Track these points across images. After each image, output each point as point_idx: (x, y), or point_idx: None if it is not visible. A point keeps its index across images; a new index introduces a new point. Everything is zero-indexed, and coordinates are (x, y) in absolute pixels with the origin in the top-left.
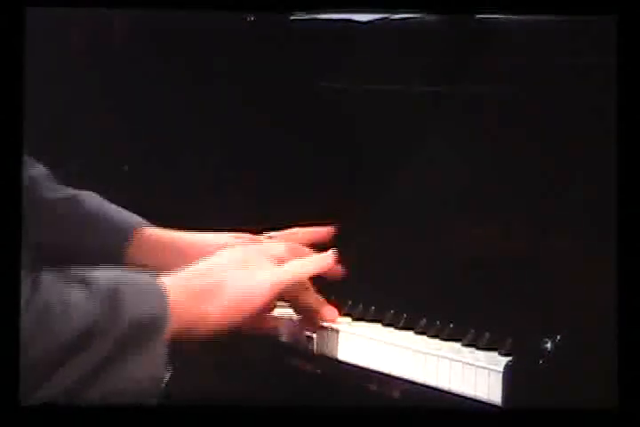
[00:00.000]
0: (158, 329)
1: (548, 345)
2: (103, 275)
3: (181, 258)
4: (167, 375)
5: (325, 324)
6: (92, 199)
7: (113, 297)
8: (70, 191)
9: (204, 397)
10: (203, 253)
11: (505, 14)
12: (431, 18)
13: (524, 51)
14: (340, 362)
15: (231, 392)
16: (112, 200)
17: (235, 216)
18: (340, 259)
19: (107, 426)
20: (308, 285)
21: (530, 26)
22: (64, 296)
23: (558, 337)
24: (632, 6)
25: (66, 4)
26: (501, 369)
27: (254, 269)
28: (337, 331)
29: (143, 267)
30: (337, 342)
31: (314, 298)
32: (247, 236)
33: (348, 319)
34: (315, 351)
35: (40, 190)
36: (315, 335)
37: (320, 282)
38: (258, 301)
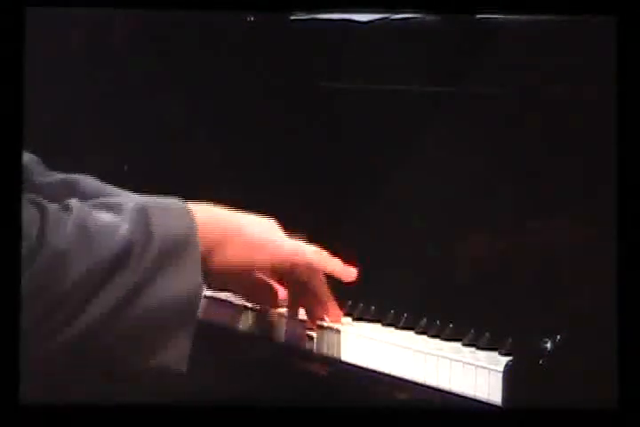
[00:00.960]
0: (189, 242)
1: (548, 345)
2: (129, 199)
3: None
4: (204, 290)
5: (326, 324)
6: (87, 180)
7: (142, 217)
8: (63, 175)
9: (203, 397)
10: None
11: (505, 14)
12: (431, 18)
13: (524, 51)
14: (341, 362)
15: (231, 392)
16: None
17: None
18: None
19: (107, 426)
20: (324, 279)
21: (530, 26)
22: (96, 219)
23: (558, 337)
24: (632, 6)
25: (66, 4)
26: (501, 369)
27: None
28: (337, 331)
29: None
30: (337, 341)
31: (326, 291)
32: None
33: (349, 319)
34: (315, 351)
35: (32, 176)
36: (315, 335)
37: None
38: (277, 251)
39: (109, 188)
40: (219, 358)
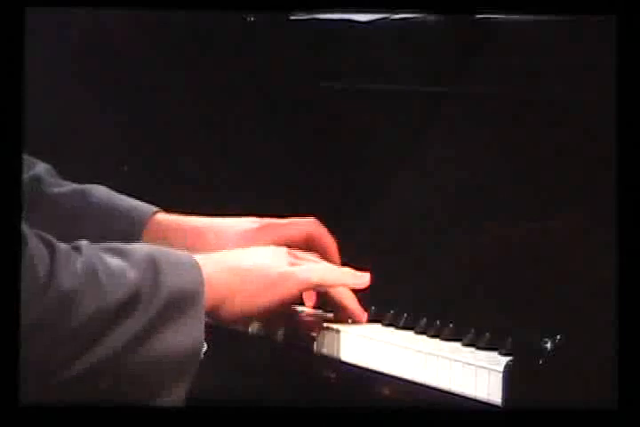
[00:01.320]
0: (196, 298)
1: (548, 345)
2: (138, 247)
3: (200, 241)
4: (205, 347)
5: (326, 323)
6: (99, 190)
7: (152, 266)
8: (75, 185)
9: (204, 397)
10: (221, 236)
11: (505, 14)
12: (431, 18)
13: (524, 51)
14: (341, 362)
15: (231, 392)
16: None
17: (234, 216)
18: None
19: (107, 426)
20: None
21: (530, 26)
22: (106, 262)
23: (558, 337)
24: (631, 6)
25: (66, 3)
26: (501, 369)
27: (286, 261)
28: (337, 331)
29: None
30: (337, 341)
31: (349, 295)
32: (266, 220)
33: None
34: (314, 351)
35: (44, 187)
36: (315, 334)
37: None
38: (286, 291)
39: (120, 197)
40: (218, 359)
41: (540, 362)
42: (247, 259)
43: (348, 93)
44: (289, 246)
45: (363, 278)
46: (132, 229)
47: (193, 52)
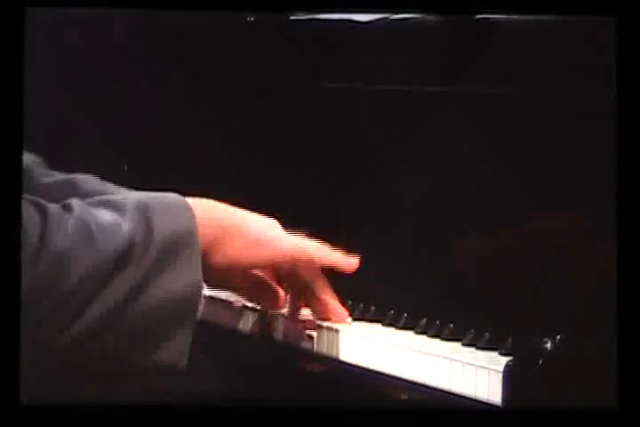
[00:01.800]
0: (191, 239)
1: (548, 345)
2: (129, 196)
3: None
4: (205, 287)
5: (325, 324)
6: (88, 179)
7: (143, 215)
8: (64, 175)
9: (204, 397)
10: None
11: (505, 14)
12: (431, 18)
13: (524, 51)
14: (341, 362)
15: (231, 392)
16: None
17: None
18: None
19: (107, 426)
20: (326, 279)
21: (530, 26)
22: (97, 218)
23: (558, 337)
24: (631, 6)
25: (66, 4)
26: (501, 369)
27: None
28: (337, 331)
29: None
30: (337, 341)
31: (329, 291)
32: None
33: (348, 319)
34: (314, 351)
35: (34, 177)
36: (315, 334)
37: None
38: (278, 251)
39: (110, 186)
40: (219, 358)
41: (540, 362)
42: (244, 213)
43: (348, 93)
44: None
45: (353, 262)
46: None
47: (193, 51)
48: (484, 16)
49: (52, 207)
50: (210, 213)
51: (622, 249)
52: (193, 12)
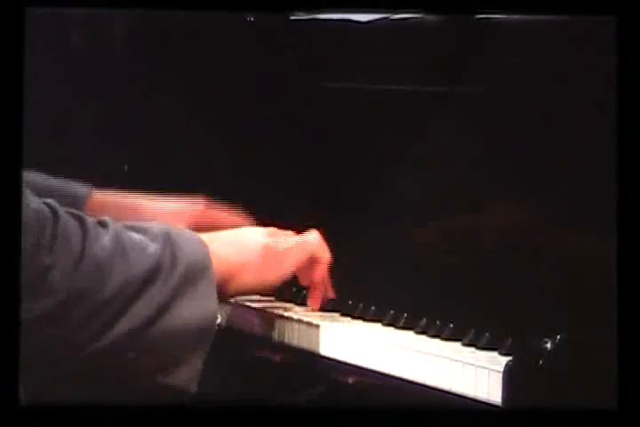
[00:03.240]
0: (206, 271)
1: (548, 345)
2: (153, 224)
3: (137, 217)
4: (219, 318)
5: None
6: (34, 176)
7: (168, 241)
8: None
9: (204, 397)
10: (157, 215)
11: (505, 14)
12: (431, 18)
13: (524, 51)
14: (340, 362)
15: (232, 393)
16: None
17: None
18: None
19: (107, 426)
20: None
21: (530, 26)
22: (129, 236)
23: (558, 337)
24: (631, 6)
25: (66, 4)
26: (501, 369)
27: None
28: (337, 331)
29: None
30: (337, 341)
31: (324, 275)
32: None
33: (348, 318)
34: (314, 351)
35: None
36: (316, 335)
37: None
38: (291, 264)
39: (56, 180)
40: (219, 359)
41: (540, 362)
42: (242, 237)
43: (348, 93)
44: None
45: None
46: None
47: (193, 51)
48: (483, 16)
49: (90, 220)
50: (223, 248)
51: (622, 249)
52: (193, 12)
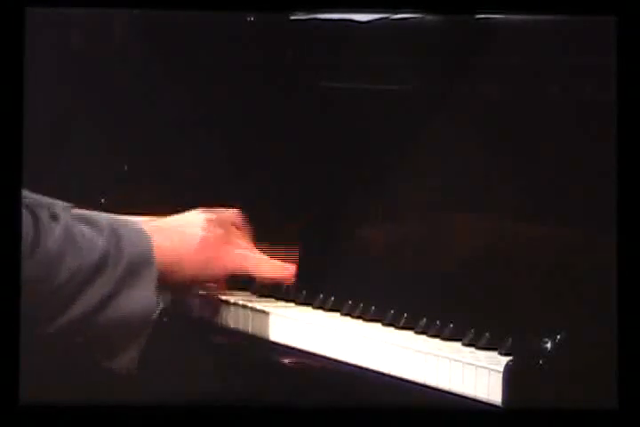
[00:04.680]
0: (149, 263)
1: (548, 345)
2: (102, 216)
3: None
4: (159, 307)
5: (325, 323)
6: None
7: (114, 234)
8: None
9: (204, 397)
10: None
11: (505, 14)
12: (431, 18)
13: (524, 51)
14: (341, 362)
15: (232, 392)
16: (112, 199)
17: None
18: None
19: (106, 426)
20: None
21: (530, 26)
22: (79, 229)
23: (558, 337)
24: (631, 6)
25: (66, 4)
26: (501, 369)
27: (225, 237)
28: (336, 331)
29: None
30: (337, 342)
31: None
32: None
33: (348, 318)
34: (314, 351)
35: None
36: (316, 335)
37: (320, 281)
38: (222, 268)
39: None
40: (219, 359)
41: (540, 362)
42: (184, 227)
43: (348, 93)
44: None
45: (289, 270)
46: None
47: (193, 51)
48: (483, 16)
49: (44, 215)
50: (165, 240)
51: (622, 249)
52: (193, 12)
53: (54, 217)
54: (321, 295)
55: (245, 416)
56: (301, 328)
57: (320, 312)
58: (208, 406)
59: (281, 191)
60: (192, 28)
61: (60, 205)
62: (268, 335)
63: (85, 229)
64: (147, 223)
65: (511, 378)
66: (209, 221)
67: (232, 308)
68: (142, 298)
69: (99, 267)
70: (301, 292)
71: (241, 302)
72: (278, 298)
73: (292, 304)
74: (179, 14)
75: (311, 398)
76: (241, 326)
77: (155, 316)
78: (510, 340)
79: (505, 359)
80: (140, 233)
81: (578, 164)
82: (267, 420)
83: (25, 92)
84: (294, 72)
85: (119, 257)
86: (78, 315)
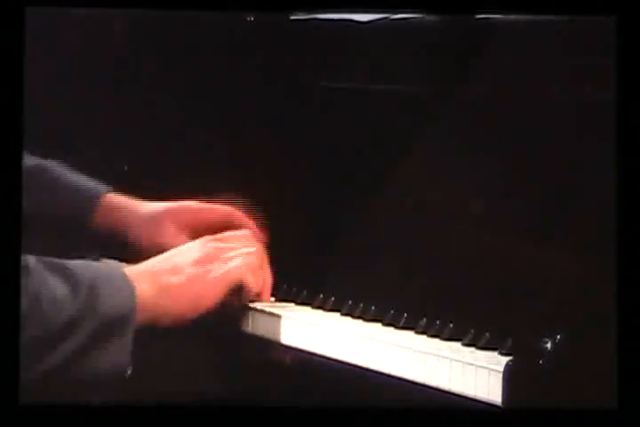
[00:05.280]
0: (126, 325)
1: (548, 345)
2: (82, 268)
3: (138, 224)
4: (130, 369)
5: (325, 323)
6: (55, 168)
7: (91, 293)
8: (32, 160)
9: (204, 397)
10: (151, 222)
11: (505, 14)
12: (431, 18)
13: (524, 51)
14: (340, 362)
15: (231, 392)
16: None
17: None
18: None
19: (106, 426)
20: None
21: (530, 26)
22: (50, 289)
23: (558, 337)
24: (631, 6)
25: (66, 4)
26: (501, 369)
27: (212, 270)
28: (336, 331)
29: (107, 231)
30: (336, 341)
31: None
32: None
33: (348, 318)
34: (313, 351)
35: None
36: (315, 335)
37: (319, 280)
38: (212, 301)
39: (75, 175)
40: (219, 358)
41: (540, 362)
42: (174, 270)
43: (348, 93)
44: (205, 229)
45: (268, 292)
46: (84, 209)
47: (193, 51)
48: (483, 16)
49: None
50: (150, 290)
51: (622, 249)
52: (193, 12)
53: (25, 270)
54: (321, 295)
55: (244, 416)
56: (301, 328)
57: (320, 312)
58: (208, 406)
59: (281, 191)
60: (192, 28)
61: (31, 258)
62: (267, 335)
63: (59, 287)
64: (137, 268)
65: (511, 378)
66: (203, 258)
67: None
68: (112, 362)
69: (63, 332)
70: (301, 292)
71: None
72: (278, 298)
73: (292, 304)
74: (179, 14)
75: (311, 397)
76: (240, 326)
77: (124, 376)
78: (510, 340)
79: (505, 359)
80: (123, 289)
81: (578, 164)
82: (266, 420)
83: (25, 92)
84: (294, 72)
85: (92, 320)
86: (43, 371)
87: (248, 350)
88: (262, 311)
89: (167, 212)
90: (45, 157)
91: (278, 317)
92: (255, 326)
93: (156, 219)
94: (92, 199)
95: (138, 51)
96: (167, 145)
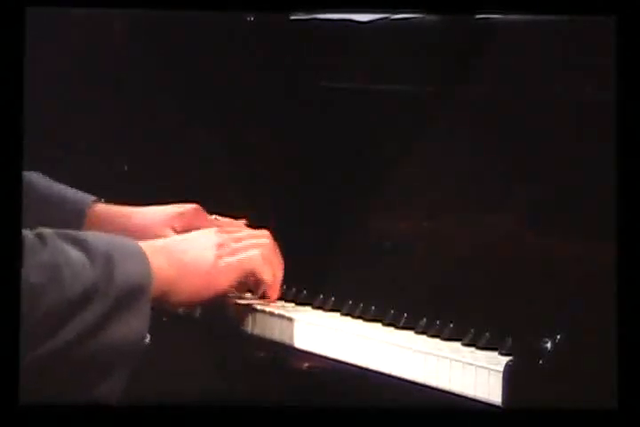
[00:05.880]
0: (144, 291)
1: (548, 345)
2: (97, 239)
3: (133, 232)
4: (148, 337)
5: (324, 323)
6: (40, 180)
7: (108, 261)
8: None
9: (204, 397)
10: (146, 218)
11: (505, 14)
12: (431, 18)
13: (524, 51)
14: (340, 362)
15: (230, 392)
16: (112, 200)
17: (236, 217)
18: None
19: (106, 426)
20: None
21: (530, 26)
22: (68, 258)
23: (558, 337)
24: (631, 6)
25: (66, 3)
26: (501, 369)
27: (229, 254)
28: (336, 330)
29: None
30: (336, 341)
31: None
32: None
33: (348, 318)
34: (313, 351)
35: None
36: (316, 335)
37: (319, 280)
38: (225, 285)
39: (61, 186)
40: (219, 358)
41: (540, 362)
42: (189, 250)
43: (348, 93)
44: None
45: (277, 286)
46: (73, 221)
47: (193, 51)
48: (483, 16)
49: (29, 237)
50: (164, 263)
51: (622, 249)
52: (193, 12)
53: (41, 237)
54: (321, 295)
55: (245, 416)
56: (301, 328)
57: (320, 312)
58: (208, 406)
59: (281, 191)
60: (192, 27)
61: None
62: (267, 335)
63: (75, 255)
64: (152, 243)
65: (511, 378)
66: (219, 244)
67: (232, 308)
68: (131, 331)
69: (83, 300)
70: (301, 292)
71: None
72: (278, 298)
73: (292, 304)
74: (179, 14)
75: (311, 397)
76: (241, 326)
77: (143, 346)
78: (510, 340)
79: (505, 359)
80: (138, 259)
81: (578, 164)
82: (266, 420)
83: (25, 92)
84: (294, 72)
85: (110, 288)
86: (60, 345)
87: (248, 350)
88: (262, 311)
89: (164, 218)
90: (45, 156)
91: (278, 317)
92: (255, 326)
93: (152, 226)
94: (79, 213)
95: (138, 51)
96: (167, 145)
